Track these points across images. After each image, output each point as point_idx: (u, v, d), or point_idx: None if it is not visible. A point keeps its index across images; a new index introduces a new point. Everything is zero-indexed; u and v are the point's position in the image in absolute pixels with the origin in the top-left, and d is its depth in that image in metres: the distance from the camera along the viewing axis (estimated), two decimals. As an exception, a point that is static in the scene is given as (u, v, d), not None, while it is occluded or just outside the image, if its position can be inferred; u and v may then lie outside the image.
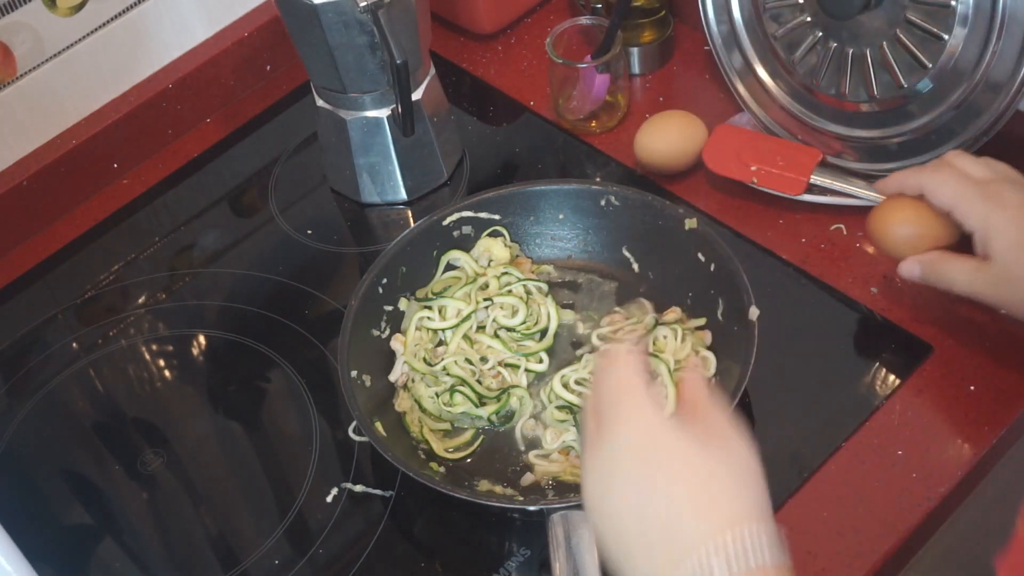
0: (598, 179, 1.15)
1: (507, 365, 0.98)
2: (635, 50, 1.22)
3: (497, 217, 1.05)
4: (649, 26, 1.23)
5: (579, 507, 0.77)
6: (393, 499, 0.94)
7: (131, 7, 1.19)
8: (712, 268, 0.97)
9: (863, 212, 1.00)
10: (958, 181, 0.89)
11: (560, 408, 0.95)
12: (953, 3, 0.95)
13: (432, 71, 1.14)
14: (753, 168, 1.07)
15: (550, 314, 1.01)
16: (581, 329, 1.01)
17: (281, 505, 0.95)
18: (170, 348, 1.09)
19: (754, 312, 0.92)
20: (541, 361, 0.99)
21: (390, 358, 1.01)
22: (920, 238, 0.92)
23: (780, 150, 1.08)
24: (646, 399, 0.66)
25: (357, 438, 0.98)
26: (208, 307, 1.13)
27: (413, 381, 0.99)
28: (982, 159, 0.91)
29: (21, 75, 1.15)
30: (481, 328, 1.00)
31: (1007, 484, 1.12)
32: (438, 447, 0.95)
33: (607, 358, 0.69)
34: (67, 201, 1.21)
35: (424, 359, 0.99)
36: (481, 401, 0.96)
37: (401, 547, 0.92)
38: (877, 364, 0.97)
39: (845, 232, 1.05)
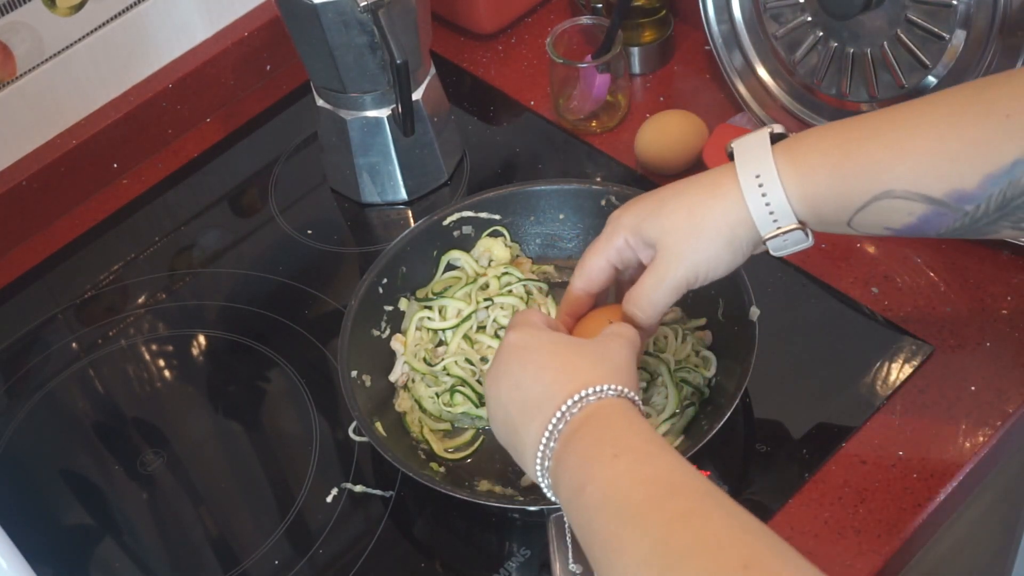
0: (598, 179, 1.15)
1: (507, 365, 0.98)
2: (635, 50, 1.22)
3: (497, 217, 1.05)
4: (649, 26, 1.23)
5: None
6: (393, 499, 0.94)
7: (131, 7, 1.19)
8: (712, 268, 0.97)
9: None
10: (593, 251, 0.85)
11: (560, 408, 0.95)
12: (954, 2, 0.95)
13: (432, 71, 1.14)
14: None
15: (550, 314, 1.01)
16: (581, 329, 1.02)
17: (281, 505, 0.95)
18: (170, 348, 1.09)
19: (755, 312, 0.92)
20: (541, 361, 0.99)
21: (390, 358, 1.00)
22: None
23: (780, 150, 1.08)
24: (535, 319, 0.80)
25: (357, 438, 0.98)
26: (208, 307, 1.13)
27: (413, 381, 0.99)
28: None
29: (21, 75, 1.15)
30: (481, 328, 1.00)
31: (1007, 484, 1.12)
32: (438, 447, 0.95)
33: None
34: (67, 201, 1.21)
35: (424, 359, 0.99)
36: (481, 401, 0.96)
37: (401, 547, 0.92)
38: (878, 364, 0.96)
39: (845, 232, 1.05)
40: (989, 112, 0.72)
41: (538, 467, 0.73)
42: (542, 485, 0.74)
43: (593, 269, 0.84)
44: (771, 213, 0.77)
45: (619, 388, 0.73)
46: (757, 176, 0.77)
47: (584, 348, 0.76)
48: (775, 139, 0.79)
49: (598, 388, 0.72)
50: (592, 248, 0.85)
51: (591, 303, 0.87)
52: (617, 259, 0.84)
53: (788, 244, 0.79)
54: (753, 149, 0.78)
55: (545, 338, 0.77)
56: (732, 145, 0.80)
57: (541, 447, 0.72)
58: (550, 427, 0.72)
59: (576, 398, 0.72)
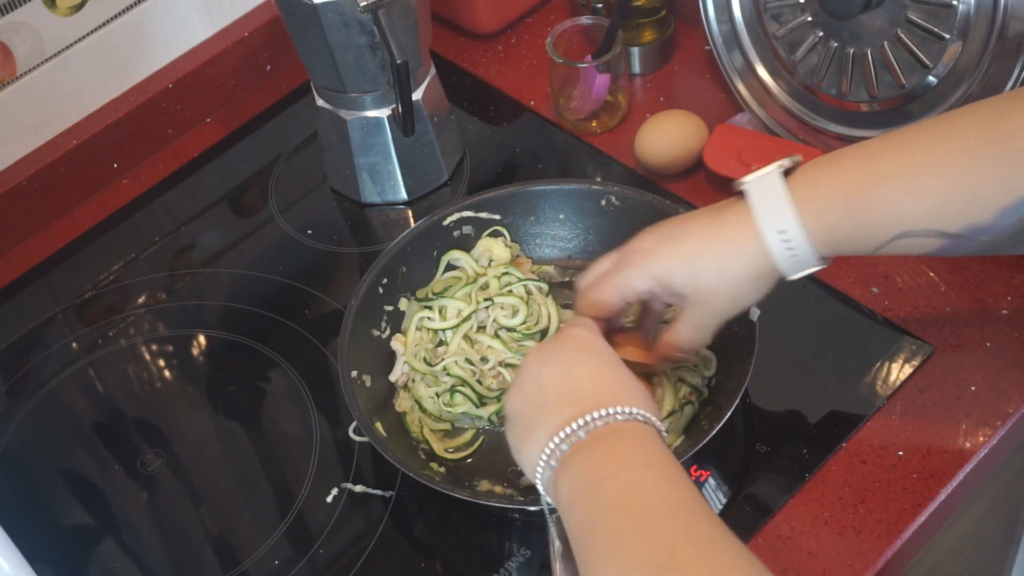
0: (599, 179, 1.15)
1: (507, 365, 0.98)
2: (635, 50, 1.22)
3: (497, 217, 1.05)
4: (649, 26, 1.23)
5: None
6: (393, 499, 0.94)
7: (131, 7, 1.19)
8: (712, 268, 0.97)
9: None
10: (603, 277, 0.86)
11: (560, 408, 0.95)
12: (954, 3, 0.95)
13: (432, 71, 1.14)
14: (754, 168, 1.07)
15: (550, 314, 1.01)
16: (581, 329, 1.01)
17: (281, 505, 0.95)
18: (170, 348, 1.09)
19: (755, 312, 0.92)
20: (541, 361, 0.99)
21: (390, 358, 1.00)
22: None
23: (781, 150, 1.08)
24: (593, 327, 0.82)
25: (357, 438, 0.98)
26: (208, 307, 1.13)
27: (413, 381, 0.99)
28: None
29: (21, 75, 1.15)
30: (481, 328, 1.00)
31: (1007, 484, 1.12)
32: (438, 447, 0.95)
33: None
34: (67, 201, 1.21)
35: (424, 359, 0.99)
36: (481, 401, 0.96)
37: (401, 547, 0.92)
38: (878, 364, 0.96)
39: (845, 232, 1.05)
40: (1003, 147, 0.74)
41: (551, 446, 0.73)
42: (539, 463, 0.74)
43: (605, 305, 0.86)
44: (798, 263, 0.81)
45: (662, 426, 0.75)
46: (781, 232, 0.79)
47: (639, 383, 0.78)
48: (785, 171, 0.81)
49: (647, 414, 0.74)
50: (610, 285, 0.85)
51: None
52: (634, 299, 0.86)
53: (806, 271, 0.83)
54: (771, 199, 0.80)
55: (611, 352, 0.80)
56: (745, 189, 0.81)
57: (567, 430, 0.72)
58: (588, 418, 0.72)
59: (628, 409, 0.73)
